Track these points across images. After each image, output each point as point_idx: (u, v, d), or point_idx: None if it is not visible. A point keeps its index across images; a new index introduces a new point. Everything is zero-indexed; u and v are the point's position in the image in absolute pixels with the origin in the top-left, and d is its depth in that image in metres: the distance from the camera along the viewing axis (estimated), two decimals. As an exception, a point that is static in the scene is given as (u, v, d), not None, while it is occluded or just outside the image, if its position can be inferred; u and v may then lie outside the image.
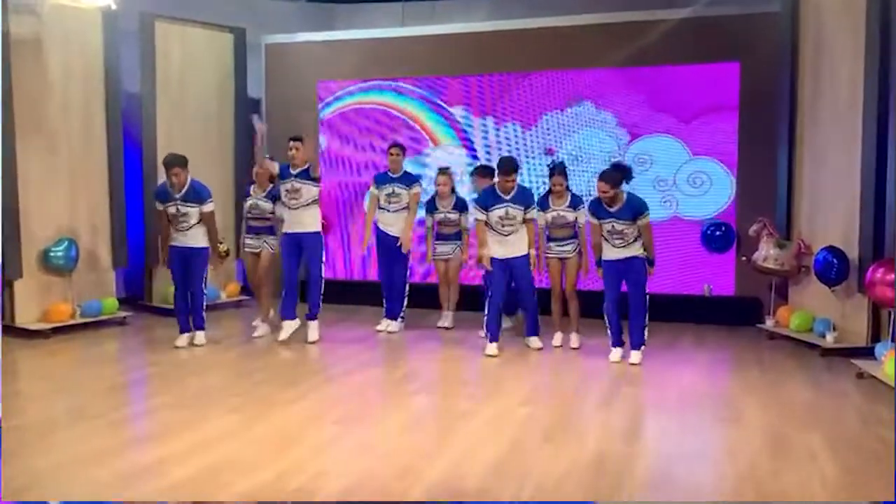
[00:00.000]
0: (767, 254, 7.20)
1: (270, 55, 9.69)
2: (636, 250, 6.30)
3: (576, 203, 6.92)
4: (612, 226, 6.26)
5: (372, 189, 7.71)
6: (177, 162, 6.66)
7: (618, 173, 6.27)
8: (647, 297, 6.36)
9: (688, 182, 8.23)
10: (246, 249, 7.64)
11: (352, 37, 9.46)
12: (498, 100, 8.86)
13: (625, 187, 6.31)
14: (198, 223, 6.78)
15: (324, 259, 7.13)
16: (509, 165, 6.63)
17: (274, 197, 7.36)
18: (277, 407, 5.11)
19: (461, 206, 7.68)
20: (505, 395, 5.49)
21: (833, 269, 6.54)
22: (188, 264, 6.80)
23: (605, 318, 6.47)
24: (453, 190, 7.74)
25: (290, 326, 7.06)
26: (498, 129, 8.87)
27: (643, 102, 8.34)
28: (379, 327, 7.64)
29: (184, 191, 6.71)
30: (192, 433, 4.54)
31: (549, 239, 6.99)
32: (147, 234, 8.62)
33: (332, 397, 5.58)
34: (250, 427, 4.68)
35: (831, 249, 6.60)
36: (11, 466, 3.96)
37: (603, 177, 6.23)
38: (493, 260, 6.67)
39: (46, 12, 7.38)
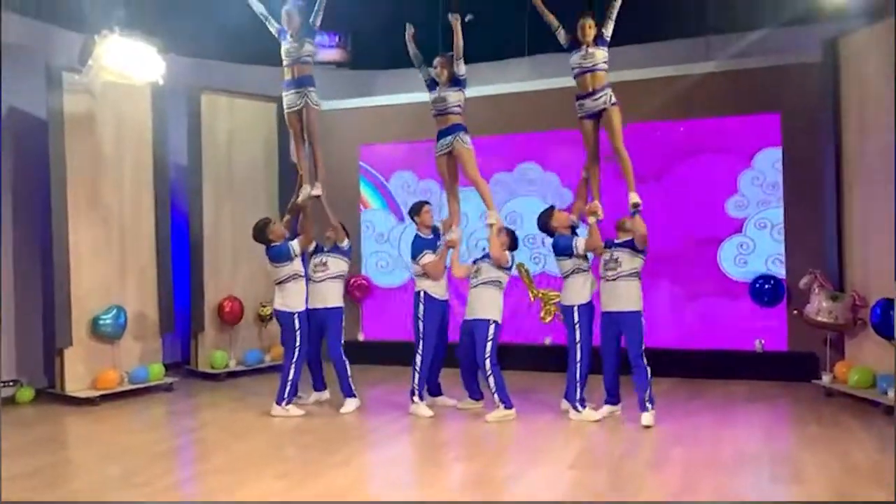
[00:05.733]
0: (820, 307, 6.98)
1: (313, 122, 9.85)
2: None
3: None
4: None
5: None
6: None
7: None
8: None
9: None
10: None
11: (393, 101, 9.67)
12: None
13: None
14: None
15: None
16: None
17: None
18: (323, 472, 5.06)
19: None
20: (550, 459, 5.34)
21: (892, 321, 6.31)
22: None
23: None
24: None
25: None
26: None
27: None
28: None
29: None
30: (240, 498, 4.52)
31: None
32: (193, 302, 8.74)
33: (375, 463, 5.53)
34: (297, 492, 4.63)
35: (889, 301, 6.39)
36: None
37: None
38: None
39: (99, 91, 7.65)
